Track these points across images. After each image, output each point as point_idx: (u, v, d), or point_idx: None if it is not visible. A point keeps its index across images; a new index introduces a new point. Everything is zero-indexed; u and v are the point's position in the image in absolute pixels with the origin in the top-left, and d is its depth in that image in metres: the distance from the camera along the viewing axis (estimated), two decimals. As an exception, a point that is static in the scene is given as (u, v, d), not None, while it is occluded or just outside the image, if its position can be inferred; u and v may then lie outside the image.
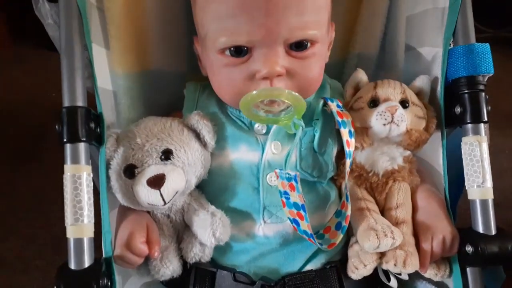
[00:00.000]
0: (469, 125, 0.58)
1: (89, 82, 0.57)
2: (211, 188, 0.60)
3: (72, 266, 0.50)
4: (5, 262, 1.17)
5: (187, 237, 0.57)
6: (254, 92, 0.52)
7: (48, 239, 1.21)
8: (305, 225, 0.54)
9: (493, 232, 0.56)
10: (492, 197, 0.57)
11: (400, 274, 0.58)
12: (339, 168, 0.61)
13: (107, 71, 0.61)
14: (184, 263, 0.57)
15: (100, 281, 0.49)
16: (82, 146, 0.52)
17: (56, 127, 0.52)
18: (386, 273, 0.59)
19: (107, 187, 0.55)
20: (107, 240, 0.53)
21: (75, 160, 0.51)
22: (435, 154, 0.62)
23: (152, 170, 0.54)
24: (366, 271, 0.55)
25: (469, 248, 0.55)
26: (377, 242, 0.53)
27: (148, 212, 0.58)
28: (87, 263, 0.50)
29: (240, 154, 0.59)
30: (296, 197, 0.53)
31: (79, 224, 0.50)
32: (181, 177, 0.55)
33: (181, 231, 0.59)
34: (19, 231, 1.24)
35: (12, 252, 1.19)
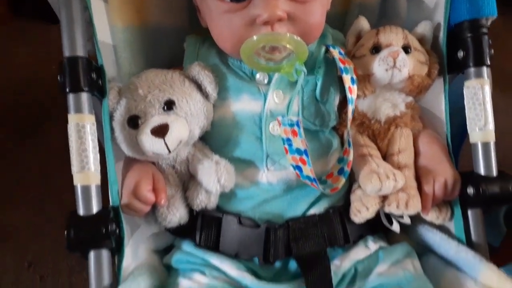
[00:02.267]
0: (472, 69, 0.58)
1: (89, 45, 0.57)
2: (215, 140, 0.60)
3: (81, 212, 0.52)
4: (16, 230, 1.20)
5: (192, 185, 0.58)
6: (255, 37, 0.52)
7: (56, 208, 1.24)
8: (307, 170, 0.54)
9: (495, 174, 0.57)
10: (494, 140, 0.57)
11: (402, 217, 0.59)
12: (341, 117, 0.61)
13: (106, 25, 0.61)
14: (190, 211, 0.59)
15: (109, 226, 0.51)
16: (84, 96, 0.53)
17: (58, 77, 0.53)
18: (389, 217, 0.60)
19: (112, 138, 0.56)
20: (114, 190, 0.54)
21: (78, 110, 0.52)
22: (437, 102, 0.62)
23: (155, 120, 0.55)
24: (369, 214, 0.56)
25: (470, 190, 0.56)
26: (379, 184, 0.53)
27: (154, 163, 0.59)
28: (95, 209, 0.52)
29: (242, 105, 0.59)
30: (298, 142, 0.54)
31: (85, 171, 0.51)
32: (184, 126, 0.55)
33: (187, 181, 0.60)
34: (28, 201, 1.27)
35: (23, 221, 1.22)
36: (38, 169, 1.35)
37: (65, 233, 0.51)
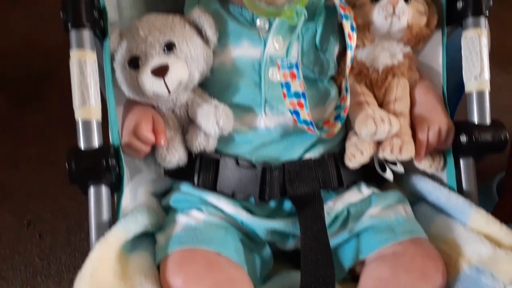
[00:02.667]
0: (470, 19, 0.58)
1: None
2: (214, 86, 0.61)
3: (82, 146, 0.53)
4: (15, 189, 1.21)
5: (191, 129, 0.59)
6: None
7: (56, 170, 1.25)
8: (305, 114, 0.55)
9: (488, 123, 0.58)
10: (489, 89, 0.58)
11: (395, 164, 0.60)
12: (340, 67, 0.62)
13: None
14: (189, 155, 0.60)
15: (109, 160, 0.52)
16: (86, 33, 0.53)
17: (61, 14, 0.53)
18: (382, 167, 0.61)
19: (112, 80, 0.57)
20: (114, 130, 0.55)
21: (80, 45, 0.53)
22: (435, 54, 0.63)
23: (155, 61, 0.55)
24: (363, 158, 0.58)
25: (463, 138, 0.58)
26: (374, 128, 0.55)
27: (154, 107, 0.60)
28: (96, 144, 0.53)
29: (242, 51, 0.59)
30: (297, 85, 0.55)
31: (86, 107, 0.52)
32: (184, 68, 0.56)
33: (186, 125, 0.61)
34: (27, 163, 1.28)
35: (22, 181, 1.23)
36: (37, 131, 1.36)
37: (67, 165, 0.52)
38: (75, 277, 0.49)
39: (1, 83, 1.47)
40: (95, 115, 0.53)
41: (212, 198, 0.58)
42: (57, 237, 1.09)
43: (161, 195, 0.63)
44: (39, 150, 1.30)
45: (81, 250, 1.02)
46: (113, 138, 0.55)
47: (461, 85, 0.60)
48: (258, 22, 0.60)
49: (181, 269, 0.50)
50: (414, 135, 0.59)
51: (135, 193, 0.61)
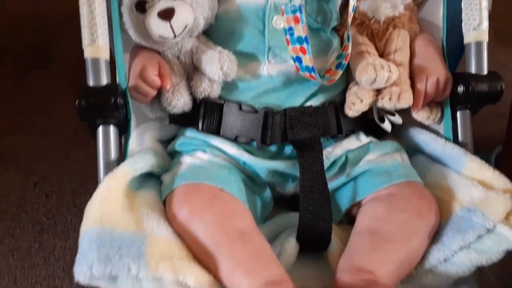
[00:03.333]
0: (471, -30, 0.59)
1: None
2: (218, 34, 0.63)
3: (91, 83, 0.55)
4: (22, 153, 1.24)
5: (196, 76, 0.61)
6: None
7: (61, 135, 1.28)
8: (307, 59, 0.57)
9: (485, 73, 0.59)
10: (487, 39, 0.59)
11: (394, 115, 0.62)
12: (342, 18, 0.63)
13: None
14: (193, 101, 0.62)
15: (118, 98, 0.54)
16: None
17: None
18: (381, 120, 0.63)
19: (120, 24, 0.58)
20: (121, 73, 0.57)
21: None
22: (436, 9, 0.64)
23: (162, 4, 0.57)
24: (362, 106, 0.59)
25: (460, 88, 0.59)
26: (374, 74, 0.56)
27: (159, 54, 0.62)
28: (104, 82, 0.55)
29: None
30: (300, 30, 0.56)
31: (95, 45, 0.54)
32: (190, 12, 0.57)
33: (191, 72, 0.62)
34: (33, 127, 1.31)
35: (28, 145, 1.26)
36: (42, 98, 1.38)
37: (76, 102, 0.54)
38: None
39: (7, 52, 1.49)
40: (104, 54, 0.54)
41: (216, 141, 0.60)
42: (62, 198, 1.12)
43: (167, 142, 0.66)
44: (45, 116, 1.33)
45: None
46: (120, 81, 0.57)
47: (462, 43, 0.62)
48: None
49: (186, 201, 0.52)
50: (413, 86, 0.61)
51: (142, 139, 0.63)
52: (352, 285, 0.47)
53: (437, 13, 0.65)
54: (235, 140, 0.60)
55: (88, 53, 0.54)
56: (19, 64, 1.46)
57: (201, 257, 0.50)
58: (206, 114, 0.61)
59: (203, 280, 0.47)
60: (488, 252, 0.49)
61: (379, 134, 0.64)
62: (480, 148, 0.73)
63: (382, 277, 0.47)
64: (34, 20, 1.57)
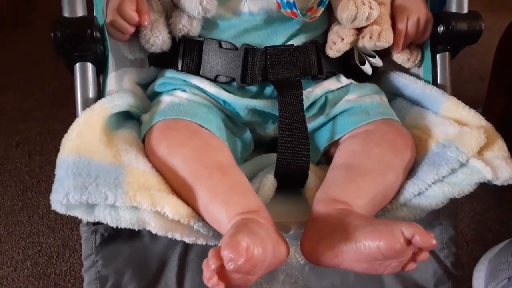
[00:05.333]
0: None
1: None
2: None
3: (66, 14, 0.53)
4: (4, 112, 1.22)
5: (175, 13, 0.60)
6: None
7: (45, 94, 1.26)
8: None
9: (465, 11, 0.59)
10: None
11: (374, 57, 0.62)
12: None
13: None
14: (173, 42, 0.61)
15: (94, 31, 0.53)
16: None
17: None
18: (362, 62, 0.63)
19: None
20: (99, 8, 0.56)
21: None
22: None
23: None
24: (343, 45, 0.59)
25: (440, 28, 0.59)
26: (355, 10, 0.56)
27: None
28: (80, 13, 0.53)
29: None
30: None
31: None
32: None
33: (170, 10, 0.61)
34: (16, 86, 1.28)
35: (11, 104, 1.24)
36: (25, 57, 1.35)
37: (52, 35, 0.52)
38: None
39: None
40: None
41: (195, 80, 0.60)
42: (46, 158, 1.11)
43: (146, 86, 0.65)
44: (27, 75, 1.30)
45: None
46: (97, 14, 0.56)
47: None
48: None
49: (164, 136, 0.52)
50: (394, 25, 0.60)
51: (121, 81, 0.62)
52: (326, 214, 0.48)
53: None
54: (215, 80, 0.60)
55: (63, -18, 0.53)
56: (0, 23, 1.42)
57: (179, 189, 0.50)
58: (186, 53, 0.60)
59: (181, 211, 0.47)
60: (460, 184, 0.51)
61: (359, 77, 0.65)
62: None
63: (357, 207, 0.48)
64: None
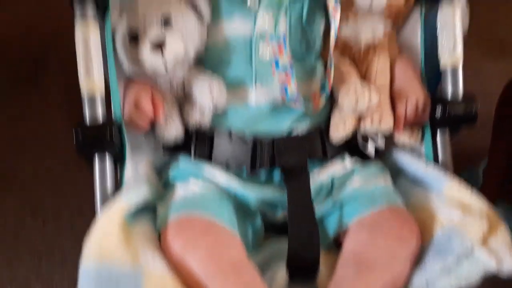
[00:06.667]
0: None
1: None
2: (207, 64, 0.66)
3: (88, 121, 0.57)
4: (19, 176, 1.23)
5: (187, 105, 0.64)
6: None
7: (57, 161, 1.27)
8: (292, 87, 0.60)
9: (460, 97, 0.62)
10: (461, 63, 0.62)
11: (377, 137, 0.65)
12: (326, 43, 0.67)
13: None
14: (186, 132, 0.64)
15: (114, 135, 0.56)
16: (89, 4, 0.57)
17: None
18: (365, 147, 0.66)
19: (113, 55, 0.61)
20: (116, 105, 0.59)
21: (84, 17, 0.57)
22: (414, 32, 0.68)
23: (153, 34, 0.60)
24: (346, 131, 0.62)
25: (438, 114, 0.62)
26: (355, 96, 0.59)
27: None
28: (100, 119, 0.57)
29: (234, 25, 0.64)
30: (284, 58, 0.60)
31: (90, 78, 0.56)
32: (180, 41, 0.61)
33: (182, 103, 0.66)
34: (30, 152, 1.30)
35: (25, 170, 1.25)
36: (37, 122, 1.38)
37: (74, 137, 0.56)
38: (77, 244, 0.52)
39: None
40: (99, 90, 0.57)
41: (208, 170, 0.62)
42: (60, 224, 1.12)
43: (160, 169, 0.68)
44: (40, 143, 1.32)
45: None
46: (115, 112, 0.59)
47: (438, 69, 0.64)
48: (248, 1, 0.63)
49: (179, 236, 0.54)
50: (394, 109, 0.64)
51: (136, 167, 0.65)
52: None
53: (415, 36, 0.68)
54: (226, 166, 0.63)
55: (84, 88, 0.57)
56: (7, 82, 1.44)
57: None
58: (198, 143, 0.64)
59: None
60: (467, 276, 0.51)
61: (363, 154, 0.67)
62: (468, 159, 0.76)
63: None
64: (24, 36, 1.56)
